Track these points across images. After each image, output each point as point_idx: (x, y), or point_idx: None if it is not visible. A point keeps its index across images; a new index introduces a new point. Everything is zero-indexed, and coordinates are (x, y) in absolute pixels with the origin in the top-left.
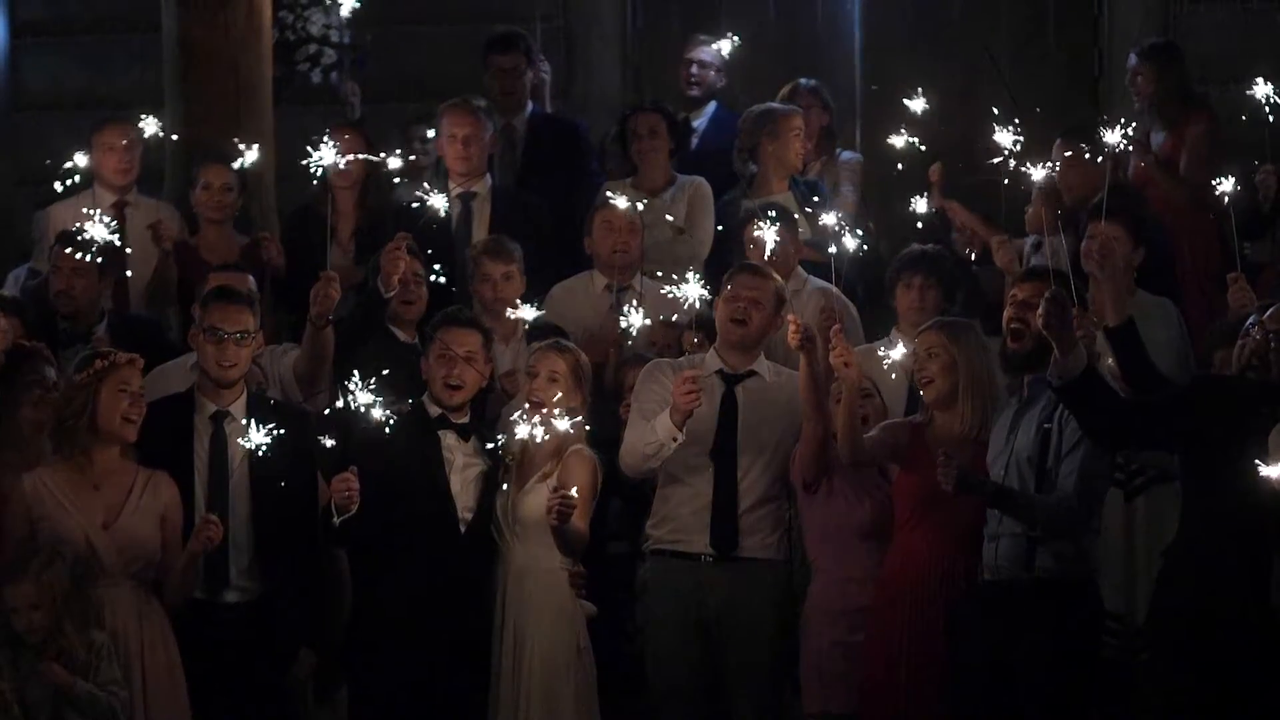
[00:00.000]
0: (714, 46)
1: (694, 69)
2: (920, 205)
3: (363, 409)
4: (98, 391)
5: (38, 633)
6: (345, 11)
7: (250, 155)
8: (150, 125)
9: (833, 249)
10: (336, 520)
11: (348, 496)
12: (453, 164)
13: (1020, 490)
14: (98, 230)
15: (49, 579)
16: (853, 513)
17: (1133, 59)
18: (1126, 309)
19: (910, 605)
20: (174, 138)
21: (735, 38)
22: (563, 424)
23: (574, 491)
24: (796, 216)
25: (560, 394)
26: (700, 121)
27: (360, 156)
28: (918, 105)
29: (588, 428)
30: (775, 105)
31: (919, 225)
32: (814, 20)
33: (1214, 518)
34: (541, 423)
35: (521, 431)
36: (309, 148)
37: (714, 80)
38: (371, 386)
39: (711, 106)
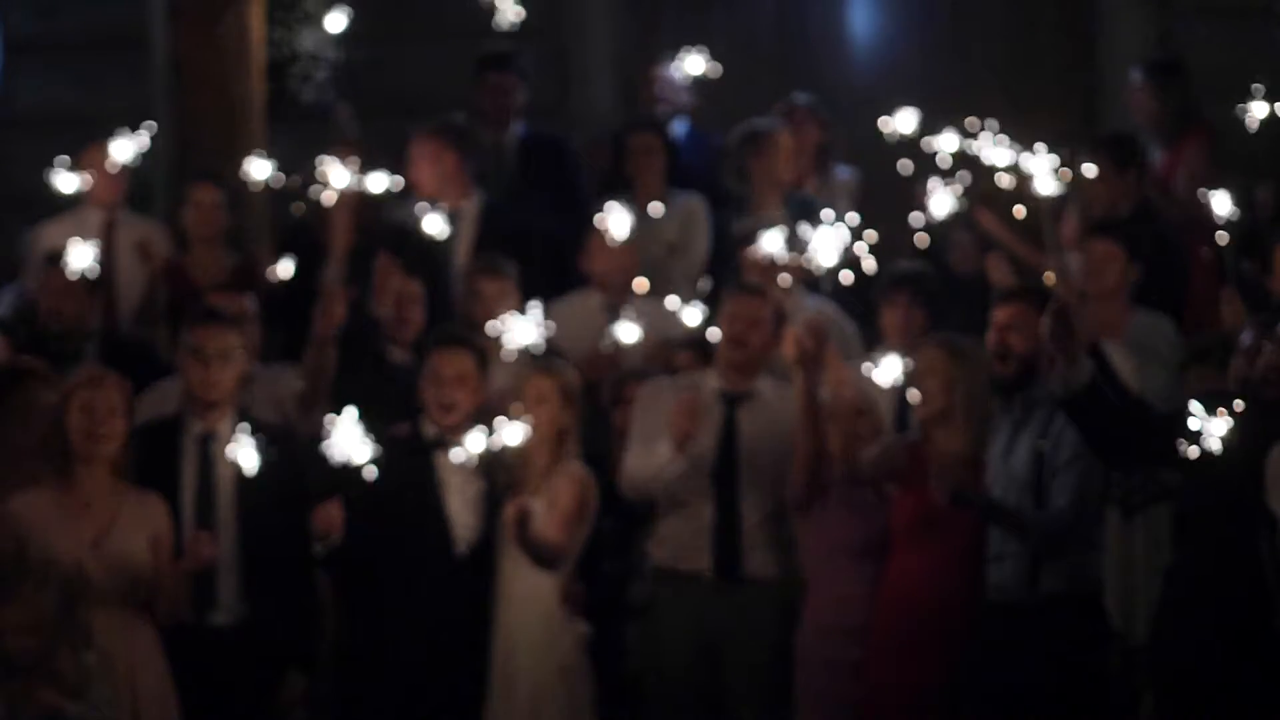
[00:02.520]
0: (680, 65)
1: (659, 88)
2: (938, 205)
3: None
4: (67, 411)
5: (28, 655)
6: (337, 29)
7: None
8: (135, 145)
9: (828, 265)
10: (319, 548)
11: (329, 527)
12: (419, 188)
13: (1013, 505)
14: (84, 250)
15: (39, 601)
16: (848, 531)
17: (1135, 76)
18: (1090, 333)
19: (908, 624)
20: (164, 155)
21: (709, 59)
22: (510, 433)
23: (553, 504)
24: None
25: (548, 413)
26: None
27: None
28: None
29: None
30: (759, 123)
31: (916, 240)
32: (808, 30)
33: (1217, 537)
34: (490, 433)
35: (472, 446)
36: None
37: (680, 99)
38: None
39: (680, 125)
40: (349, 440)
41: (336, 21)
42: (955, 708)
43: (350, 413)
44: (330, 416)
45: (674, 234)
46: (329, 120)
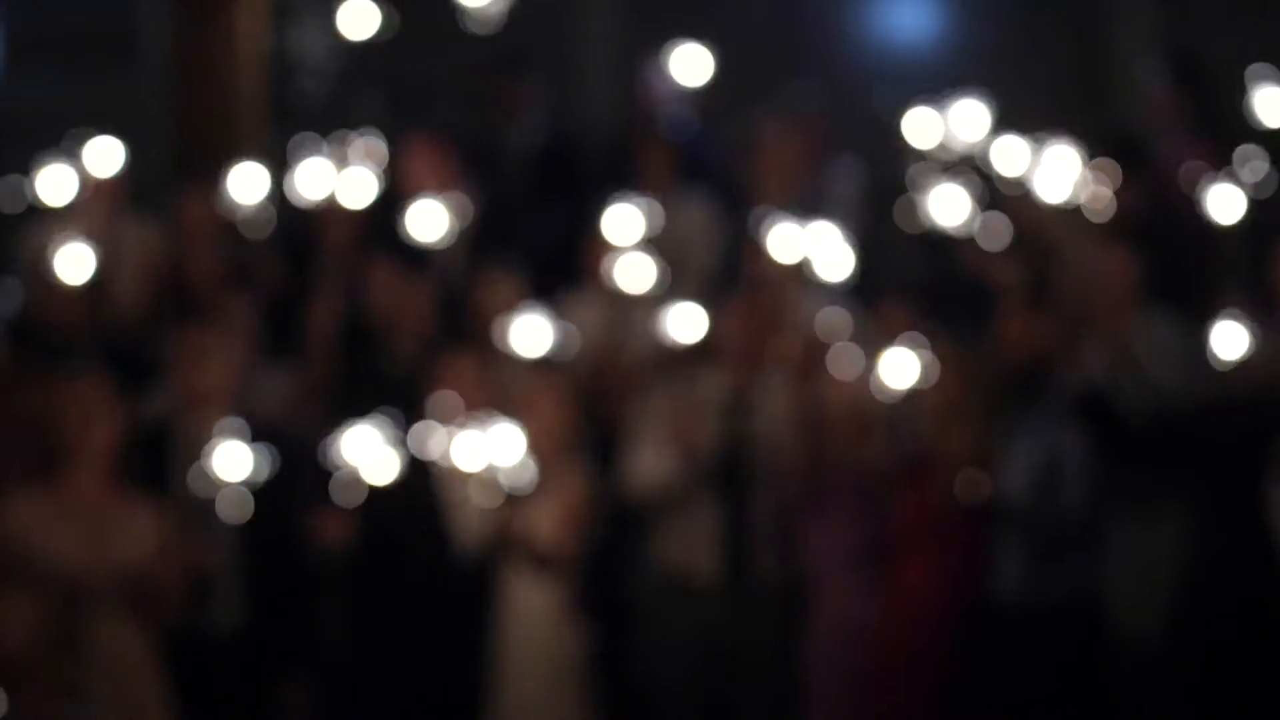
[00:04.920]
0: (666, 67)
1: (656, 89)
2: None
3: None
4: (56, 411)
5: (26, 661)
6: (345, 31)
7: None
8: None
9: (831, 264)
10: (324, 554)
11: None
12: (418, 188)
13: (1025, 509)
14: (82, 250)
15: (35, 604)
16: (853, 535)
17: (1154, 70)
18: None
19: (914, 627)
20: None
21: (708, 52)
22: (512, 441)
23: (555, 506)
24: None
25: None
26: None
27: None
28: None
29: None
30: (759, 120)
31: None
32: (811, 24)
33: (1235, 539)
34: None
35: (475, 449)
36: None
37: (679, 98)
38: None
39: (689, 121)
40: (368, 456)
41: (364, 23)
42: (961, 711)
43: (368, 427)
44: (345, 435)
45: (677, 234)
46: (347, 119)
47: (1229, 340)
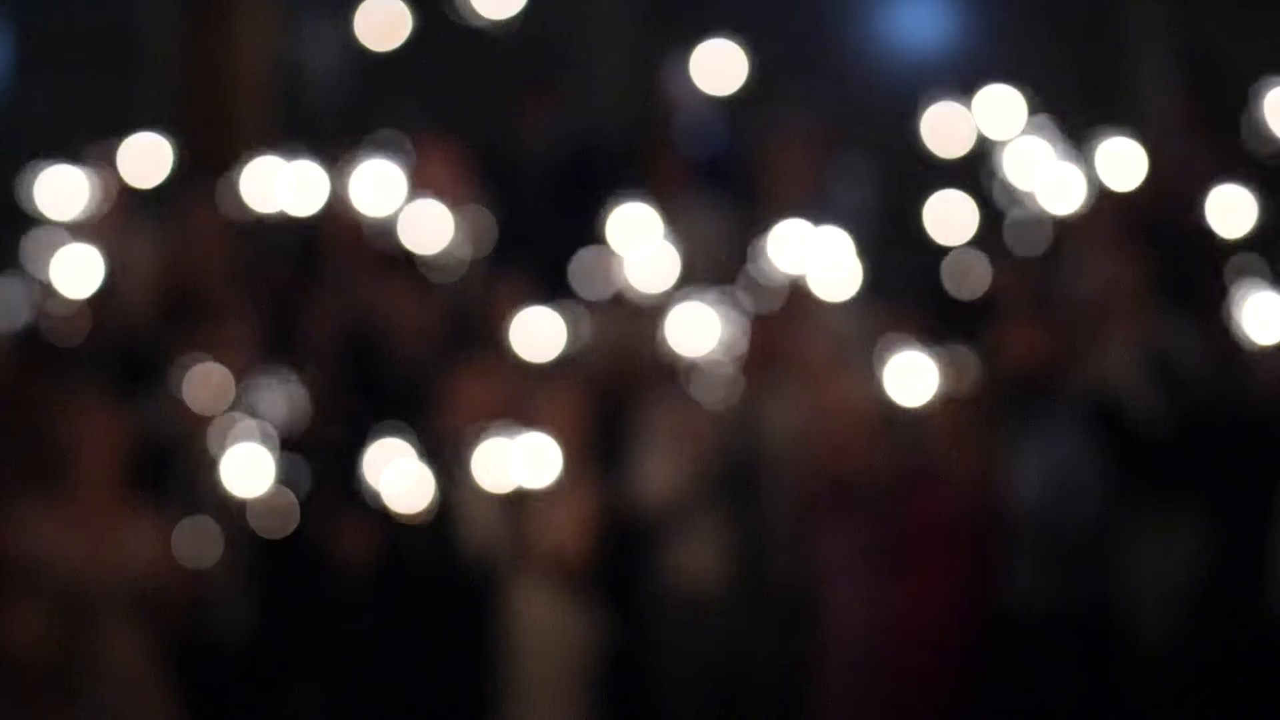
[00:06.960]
0: (684, 71)
1: (665, 99)
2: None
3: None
4: (62, 420)
5: (31, 669)
6: (359, 37)
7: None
8: (145, 150)
9: (839, 273)
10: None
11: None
12: (427, 190)
13: (1037, 516)
14: (92, 258)
15: (42, 614)
16: (862, 543)
17: (1173, 76)
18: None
19: (926, 637)
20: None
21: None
22: (539, 457)
23: (569, 514)
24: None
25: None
26: None
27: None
28: None
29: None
30: (768, 126)
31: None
32: (822, 26)
33: (1249, 547)
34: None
35: (490, 457)
36: None
37: (694, 102)
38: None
39: (709, 125)
40: (401, 478)
41: (379, 29)
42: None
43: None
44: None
45: (688, 240)
46: (357, 124)
47: (1263, 317)
